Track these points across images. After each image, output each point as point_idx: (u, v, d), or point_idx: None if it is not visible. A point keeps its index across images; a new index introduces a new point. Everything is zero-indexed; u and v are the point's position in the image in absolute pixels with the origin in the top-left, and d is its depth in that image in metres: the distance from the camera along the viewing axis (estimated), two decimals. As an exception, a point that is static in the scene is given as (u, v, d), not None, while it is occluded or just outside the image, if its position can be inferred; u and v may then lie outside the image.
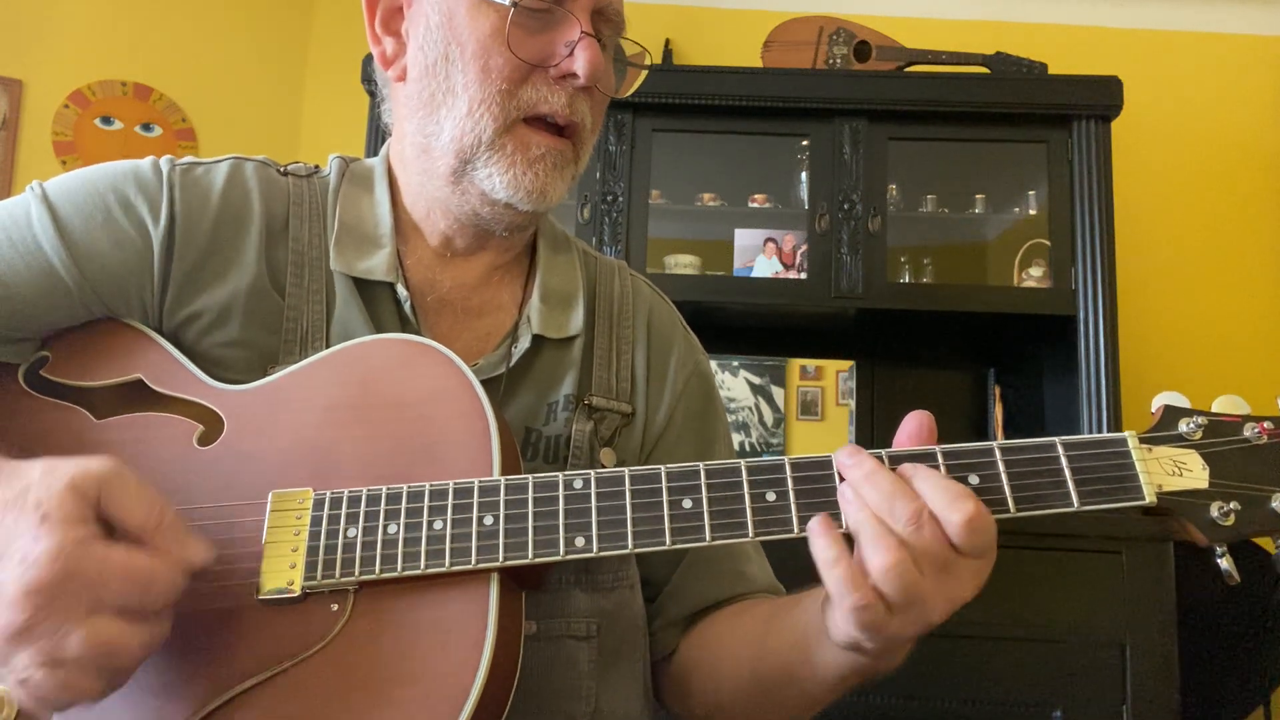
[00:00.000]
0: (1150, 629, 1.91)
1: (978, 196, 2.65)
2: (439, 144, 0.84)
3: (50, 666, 0.57)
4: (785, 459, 0.68)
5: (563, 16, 0.81)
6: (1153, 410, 0.69)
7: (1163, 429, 0.68)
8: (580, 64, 0.80)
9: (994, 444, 0.67)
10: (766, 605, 0.87)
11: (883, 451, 0.67)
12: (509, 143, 0.81)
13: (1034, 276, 2.46)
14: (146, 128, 2.92)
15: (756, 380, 2.77)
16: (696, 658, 0.90)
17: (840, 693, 0.77)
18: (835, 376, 2.77)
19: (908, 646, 0.68)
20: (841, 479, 0.66)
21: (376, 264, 0.85)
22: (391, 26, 0.88)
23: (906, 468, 0.65)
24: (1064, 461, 0.66)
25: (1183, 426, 0.67)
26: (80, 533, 0.58)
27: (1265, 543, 2.28)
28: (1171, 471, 0.66)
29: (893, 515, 0.62)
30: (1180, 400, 0.69)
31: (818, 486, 0.67)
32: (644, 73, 0.92)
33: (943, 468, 0.66)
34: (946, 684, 1.93)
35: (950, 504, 0.62)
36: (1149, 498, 0.65)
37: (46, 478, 0.60)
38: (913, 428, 0.68)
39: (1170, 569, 1.93)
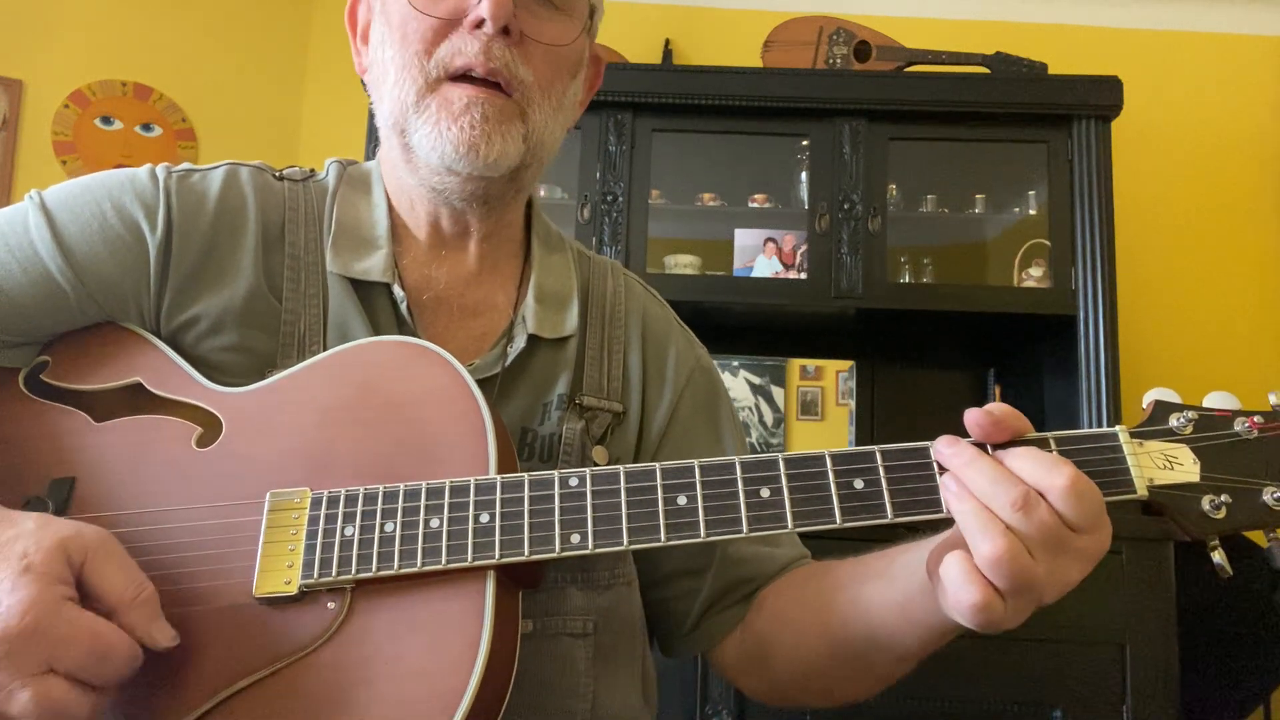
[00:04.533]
0: (1150, 629, 1.91)
1: (978, 196, 2.65)
2: (385, 125, 0.86)
3: None
4: (779, 455, 0.68)
5: None
6: (1144, 406, 0.69)
7: (1153, 424, 0.68)
8: (484, 7, 0.79)
9: (988, 442, 0.66)
10: (844, 568, 0.85)
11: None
12: (433, 101, 0.81)
13: (1034, 276, 2.46)
14: (146, 128, 2.92)
15: (756, 380, 2.77)
16: (772, 630, 0.89)
17: (936, 648, 0.76)
18: (835, 376, 2.77)
19: None
20: (942, 470, 0.66)
21: (373, 265, 0.86)
22: (367, 37, 0.91)
23: (1000, 452, 0.64)
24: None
25: (1173, 421, 0.67)
26: (57, 591, 0.60)
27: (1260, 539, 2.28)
28: (1162, 465, 0.66)
29: (997, 500, 0.61)
30: (1171, 395, 0.69)
31: (812, 483, 0.67)
32: (585, 20, 0.89)
33: (936, 463, 0.66)
34: (946, 684, 1.93)
35: (1047, 473, 0.61)
36: (1140, 491, 0.65)
37: (39, 531, 0.62)
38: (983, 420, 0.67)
39: (1170, 569, 1.93)
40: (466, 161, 0.81)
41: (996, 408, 0.66)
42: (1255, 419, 0.67)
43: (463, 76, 0.81)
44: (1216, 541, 0.66)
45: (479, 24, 0.80)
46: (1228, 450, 0.66)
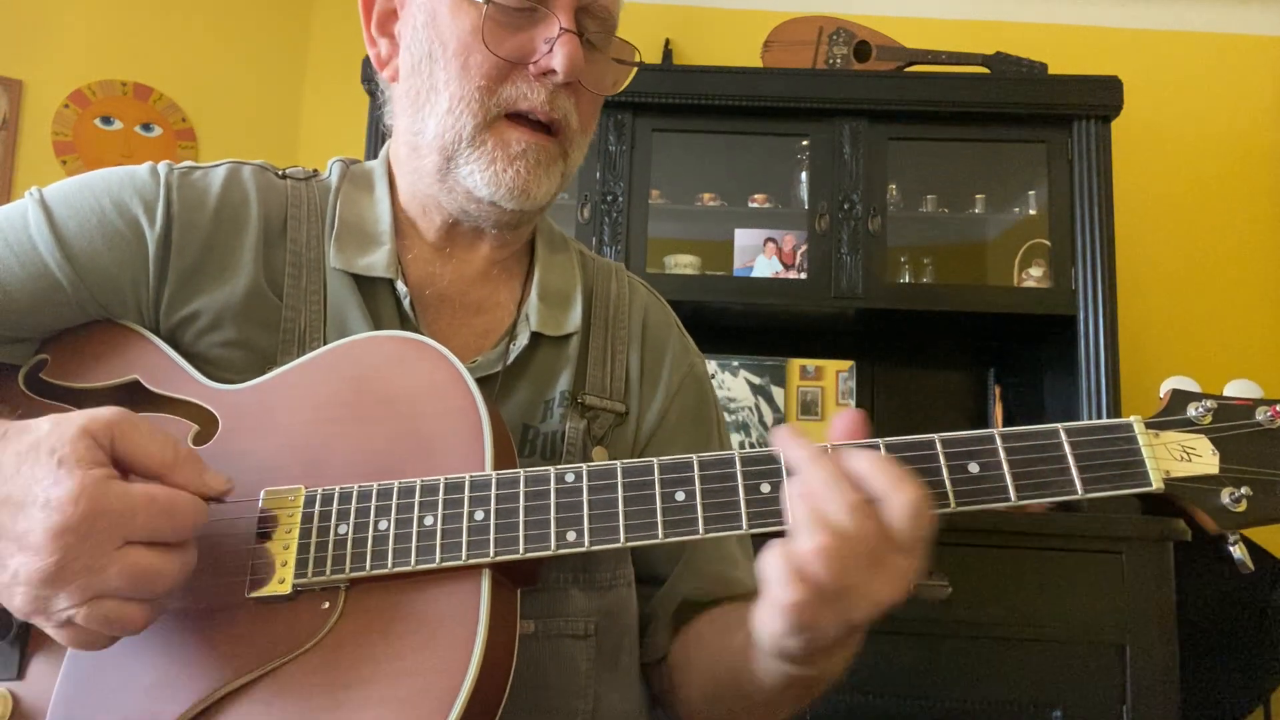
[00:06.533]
0: (1150, 629, 1.91)
1: (978, 196, 2.65)
2: (425, 141, 0.85)
3: (91, 603, 0.59)
4: (781, 450, 0.66)
5: (544, 15, 0.81)
6: (1161, 395, 0.66)
7: (1170, 413, 0.65)
8: (559, 60, 0.79)
9: (994, 431, 0.65)
10: (732, 611, 0.85)
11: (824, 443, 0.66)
12: (489, 139, 0.82)
13: (1034, 276, 2.46)
14: (146, 128, 2.92)
15: (756, 380, 2.76)
16: (678, 660, 0.89)
17: (790, 706, 0.77)
18: (835, 376, 2.76)
19: (841, 655, 0.67)
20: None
21: (376, 260, 0.86)
22: (386, 28, 0.89)
23: (847, 451, 0.64)
24: (1067, 448, 0.64)
25: (1191, 411, 0.64)
26: (98, 473, 0.60)
27: (1264, 541, 2.28)
28: (1180, 457, 0.63)
29: (831, 501, 0.60)
30: (1189, 384, 0.66)
31: None
32: (633, 70, 0.91)
33: (941, 455, 0.65)
34: (946, 684, 1.93)
35: (895, 485, 0.60)
36: (1156, 484, 0.62)
37: (57, 427, 0.62)
38: (842, 427, 0.67)
39: (1170, 569, 1.93)
40: (513, 200, 0.83)
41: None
42: (1277, 408, 0.63)
43: (518, 115, 0.82)
44: (1238, 537, 0.63)
45: (547, 72, 0.81)
46: (1248, 440, 0.63)
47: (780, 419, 2.74)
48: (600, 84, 0.87)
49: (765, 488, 0.66)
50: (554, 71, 0.80)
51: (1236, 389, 0.65)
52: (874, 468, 0.62)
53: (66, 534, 0.57)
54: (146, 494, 0.61)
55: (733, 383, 2.76)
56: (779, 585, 0.61)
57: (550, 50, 0.80)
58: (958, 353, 2.82)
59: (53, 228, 0.79)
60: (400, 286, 0.86)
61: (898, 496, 0.60)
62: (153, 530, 0.60)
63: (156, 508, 0.61)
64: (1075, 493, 0.63)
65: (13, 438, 0.62)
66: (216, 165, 0.89)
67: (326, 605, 0.67)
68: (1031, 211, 2.58)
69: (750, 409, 2.75)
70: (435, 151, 0.84)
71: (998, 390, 2.75)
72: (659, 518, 0.66)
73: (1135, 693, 1.89)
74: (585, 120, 0.87)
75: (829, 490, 0.61)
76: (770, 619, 0.63)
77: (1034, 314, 2.39)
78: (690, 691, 0.87)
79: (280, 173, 0.91)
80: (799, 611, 0.60)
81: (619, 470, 0.68)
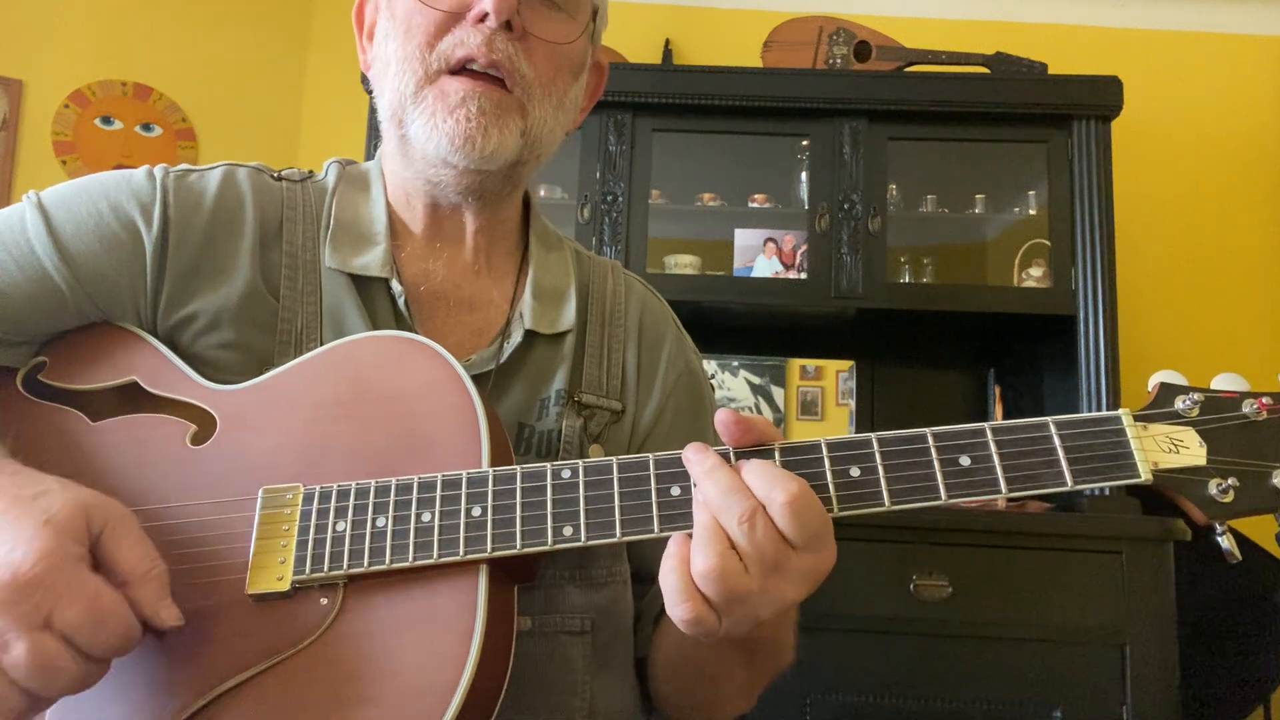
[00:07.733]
0: (1150, 629, 1.91)
1: (978, 196, 2.65)
2: (384, 119, 0.87)
3: None
4: (775, 444, 0.67)
5: None
6: (1149, 388, 0.67)
7: (1158, 406, 0.66)
8: (488, 1, 0.80)
9: (985, 425, 0.66)
10: None
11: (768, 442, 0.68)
12: (430, 93, 0.82)
13: (1034, 276, 2.46)
14: (146, 128, 2.92)
15: (756, 380, 2.76)
16: (652, 651, 0.90)
17: (740, 672, 0.80)
18: (835, 376, 2.76)
19: (774, 630, 0.71)
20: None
21: (371, 260, 0.86)
22: (373, 36, 0.92)
23: (741, 462, 0.65)
24: (1057, 441, 0.65)
25: (1179, 404, 0.66)
26: (72, 549, 0.60)
27: (1264, 541, 2.28)
28: (1168, 449, 0.64)
29: (728, 512, 0.62)
30: (1177, 378, 0.67)
31: (805, 472, 0.66)
32: (589, 22, 0.91)
33: (933, 449, 0.65)
34: (946, 684, 1.93)
35: (772, 486, 0.61)
36: (1144, 475, 0.63)
37: (64, 491, 0.62)
38: (724, 433, 0.67)
39: (1170, 569, 1.93)
40: (463, 154, 0.82)
41: (753, 417, 0.67)
42: (1264, 400, 0.65)
43: (462, 70, 0.82)
44: (1225, 527, 0.64)
45: (482, 18, 0.81)
46: (1235, 432, 0.64)
47: (780, 419, 2.74)
48: (545, 30, 0.85)
49: None
50: (488, 15, 0.80)
51: (1223, 382, 0.66)
52: (754, 473, 0.63)
53: (7, 588, 0.57)
54: (95, 592, 0.60)
55: (733, 383, 2.76)
56: (672, 604, 0.62)
57: None
58: (958, 352, 2.82)
59: (50, 231, 0.80)
60: (395, 285, 0.86)
61: (776, 496, 0.61)
62: (75, 629, 0.59)
63: (93, 610, 0.59)
64: (1065, 484, 0.64)
65: (21, 481, 0.63)
66: (212, 168, 0.89)
67: (325, 602, 0.68)
68: (1031, 211, 2.58)
69: (750, 409, 2.75)
70: (390, 122, 0.86)
71: (998, 390, 2.75)
72: (654, 512, 0.67)
73: (1135, 693, 1.89)
74: (543, 71, 0.85)
75: (724, 500, 0.62)
76: (675, 622, 0.64)
77: (1034, 314, 2.39)
78: (655, 671, 0.89)
79: (276, 175, 0.92)
80: (696, 625, 0.62)
81: (615, 466, 0.69)
